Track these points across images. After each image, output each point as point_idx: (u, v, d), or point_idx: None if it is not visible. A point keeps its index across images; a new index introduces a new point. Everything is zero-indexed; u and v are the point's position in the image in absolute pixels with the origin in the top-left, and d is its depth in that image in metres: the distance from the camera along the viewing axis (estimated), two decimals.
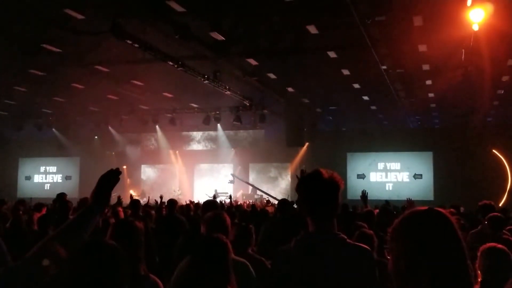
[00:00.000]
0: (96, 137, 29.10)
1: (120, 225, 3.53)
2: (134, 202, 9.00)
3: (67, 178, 30.94)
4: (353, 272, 2.58)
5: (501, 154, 23.82)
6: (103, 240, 2.23)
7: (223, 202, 12.77)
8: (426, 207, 1.89)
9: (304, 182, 2.77)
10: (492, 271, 3.64)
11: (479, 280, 3.71)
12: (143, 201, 19.30)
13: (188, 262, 3.19)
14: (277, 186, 27.76)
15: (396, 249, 1.85)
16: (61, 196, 8.74)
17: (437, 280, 1.73)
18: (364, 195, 8.20)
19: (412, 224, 1.84)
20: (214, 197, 13.39)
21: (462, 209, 12.02)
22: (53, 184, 31.05)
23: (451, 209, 9.37)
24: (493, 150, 23.85)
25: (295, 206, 7.65)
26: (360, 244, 2.71)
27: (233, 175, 27.31)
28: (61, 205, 8.08)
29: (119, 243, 3.22)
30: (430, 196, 24.51)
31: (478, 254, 3.77)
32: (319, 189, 2.67)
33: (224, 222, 4.06)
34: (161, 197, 11.05)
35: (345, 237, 2.69)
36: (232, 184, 26.99)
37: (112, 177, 2.36)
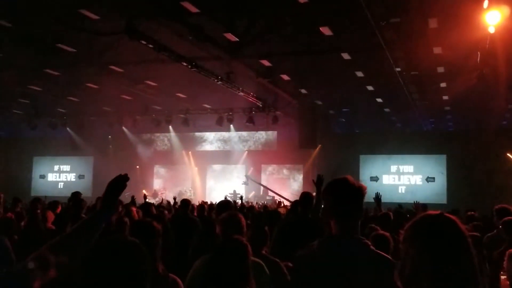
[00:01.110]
0: (110, 136, 29.26)
1: (137, 225, 3.55)
2: (145, 205, 8.99)
3: (80, 177, 31.13)
4: (376, 279, 2.62)
5: None
6: (124, 237, 2.24)
7: (236, 202, 12.75)
8: (437, 212, 1.90)
9: (333, 186, 2.86)
10: None
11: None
12: (155, 201, 19.41)
13: (205, 263, 3.20)
14: (289, 188, 27.71)
15: (404, 249, 1.87)
16: (76, 195, 8.78)
17: (439, 282, 1.73)
18: (378, 197, 8.14)
19: (420, 227, 1.86)
20: (241, 198, 13.36)
21: (475, 213, 11.93)
22: (66, 183, 31.26)
23: (470, 212, 9.32)
24: (507, 154, 23.65)
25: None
26: (382, 253, 2.74)
27: (247, 176, 27.30)
28: (75, 204, 8.13)
29: None
30: (443, 200, 24.36)
31: (505, 259, 3.74)
32: (347, 193, 2.78)
33: (240, 223, 4.06)
34: (174, 198, 11.07)
35: (368, 242, 2.72)
36: (245, 186, 26.97)
37: (120, 183, 2.39)
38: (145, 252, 2.07)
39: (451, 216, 1.88)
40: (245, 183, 26.96)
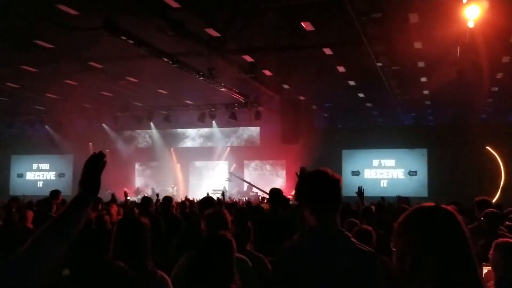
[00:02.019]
0: (90, 144, 29.18)
1: (126, 222, 3.50)
2: (145, 199, 8.87)
3: (60, 175, 30.77)
4: (358, 272, 2.60)
5: (495, 151, 23.85)
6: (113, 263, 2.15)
7: (219, 199, 12.71)
8: (432, 204, 1.87)
9: (311, 179, 2.82)
10: (507, 266, 3.64)
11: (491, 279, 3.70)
12: (137, 198, 19.29)
13: (190, 259, 3.16)
14: (272, 183, 27.67)
15: (401, 245, 1.82)
16: (55, 194, 8.67)
17: (445, 277, 1.70)
18: (360, 191, 8.15)
19: (420, 219, 1.82)
20: (223, 194, 13.41)
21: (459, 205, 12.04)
22: (46, 182, 30.88)
23: (453, 205, 9.39)
24: (487, 147, 23.90)
25: (291, 202, 7.60)
26: (363, 245, 2.72)
27: (230, 173, 27.25)
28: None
29: (125, 240, 3.21)
30: (424, 193, 24.55)
31: (491, 250, 3.76)
32: (325, 185, 2.75)
33: (225, 219, 4.05)
34: (157, 195, 11.00)
35: (350, 235, 2.71)
36: (229, 182, 26.91)
37: (97, 161, 2.25)
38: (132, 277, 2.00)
39: (448, 207, 1.85)
40: (229, 180, 26.92)
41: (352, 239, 2.72)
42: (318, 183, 2.77)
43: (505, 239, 3.87)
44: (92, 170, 2.21)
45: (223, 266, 3.00)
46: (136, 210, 8.68)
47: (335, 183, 2.75)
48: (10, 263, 1.86)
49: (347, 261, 2.60)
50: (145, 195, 14.21)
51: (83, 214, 2.09)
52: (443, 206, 1.86)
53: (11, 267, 1.85)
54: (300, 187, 2.89)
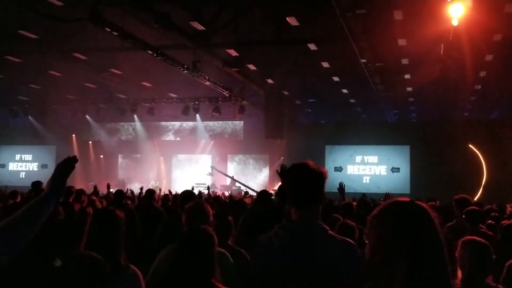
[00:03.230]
0: (73, 135, 28.98)
1: (100, 214, 3.48)
2: (118, 192, 8.91)
3: (43, 166, 30.53)
4: (337, 263, 2.59)
5: (477, 149, 24.12)
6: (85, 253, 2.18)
7: (201, 192, 12.71)
8: (407, 199, 1.90)
9: (292, 172, 2.81)
10: (474, 265, 3.66)
11: (458, 276, 3.72)
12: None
13: (170, 253, 3.16)
14: (255, 178, 27.78)
15: (374, 236, 1.85)
16: (37, 184, 8.61)
17: (414, 270, 1.73)
18: (341, 187, 8.20)
19: (393, 212, 1.85)
20: (208, 188, 13.45)
21: (437, 202, 12.17)
22: (28, 173, 30.64)
23: (432, 202, 9.49)
24: (469, 145, 24.15)
25: (273, 198, 7.65)
26: (342, 237, 2.73)
27: (212, 167, 27.23)
28: (36, 194, 7.97)
29: (99, 232, 3.19)
30: (407, 189, 24.73)
31: (458, 248, 3.78)
32: (306, 178, 2.73)
33: (206, 213, 4.04)
34: (141, 189, 10.97)
35: (327, 227, 2.70)
36: (211, 176, 26.90)
37: (68, 165, 2.33)
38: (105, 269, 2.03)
39: (422, 204, 1.88)
40: (210, 174, 26.90)
41: (330, 231, 2.70)
42: (300, 175, 2.75)
43: (471, 237, 3.89)
44: (61, 172, 2.26)
45: (203, 261, 3.00)
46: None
47: (317, 176, 2.73)
48: None
49: (325, 252, 2.59)
50: (127, 189, 14.15)
51: (45, 213, 2.14)
52: (418, 202, 1.89)
53: None
54: (284, 179, 2.88)
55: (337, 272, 2.57)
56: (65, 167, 2.32)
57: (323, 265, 2.56)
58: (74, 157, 2.37)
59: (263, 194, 6.86)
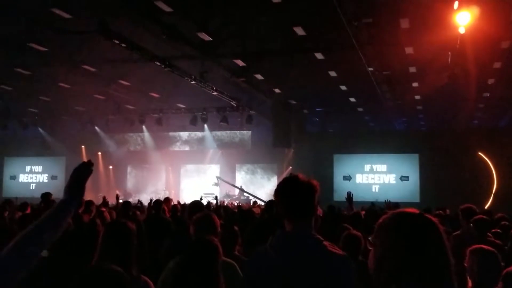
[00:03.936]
0: (83, 146, 29.14)
1: (112, 226, 3.51)
2: (125, 203, 8.97)
3: (53, 177, 30.69)
4: (331, 277, 2.60)
5: (486, 157, 24.00)
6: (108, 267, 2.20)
7: (210, 203, 12.73)
8: (416, 210, 1.90)
9: (283, 184, 2.85)
10: (482, 273, 3.66)
11: (469, 286, 3.72)
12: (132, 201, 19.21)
13: (177, 263, 3.18)
14: (263, 187, 27.75)
15: (382, 244, 1.85)
16: (46, 196, 8.67)
17: (423, 280, 1.74)
18: (349, 196, 8.20)
19: (404, 222, 1.85)
20: (216, 198, 13.44)
21: (447, 211, 12.11)
22: (38, 184, 30.82)
23: (441, 211, 9.46)
24: (479, 153, 24.03)
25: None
26: (336, 249, 2.74)
27: (218, 177, 27.22)
28: (46, 205, 8.02)
29: (111, 244, 3.22)
30: (416, 198, 24.63)
31: (467, 257, 3.78)
32: (297, 190, 2.76)
33: (214, 223, 4.05)
34: (151, 200, 11.00)
35: (321, 238, 2.72)
36: (216, 186, 26.88)
37: (85, 170, 2.33)
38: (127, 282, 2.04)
39: (431, 217, 1.88)
40: (216, 184, 26.88)
41: (324, 242, 2.70)
42: (289, 188, 2.79)
43: (479, 245, 3.89)
44: (78, 177, 2.27)
45: (208, 271, 3.02)
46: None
47: (306, 188, 2.75)
48: None
49: (318, 264, 2.59)
50: (138, 200, 14.18)
51: (65, 219, 2.15)
52: (428, 215, 1.89)
53: None
54: (275, 194, 2.91)
55: (330, 284, 2.58)
56: (81, 172, 2.31)
57: (314, 278, 2.57)
58: (89, 161, 2.37)
59: (269, 203, 6.88)
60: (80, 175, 2.29)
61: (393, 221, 1.88)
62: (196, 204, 6.16)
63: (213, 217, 4.16)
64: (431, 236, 1.82)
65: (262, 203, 16.70)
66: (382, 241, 1.86)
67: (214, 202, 13.40)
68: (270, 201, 7.08)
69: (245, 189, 25.88)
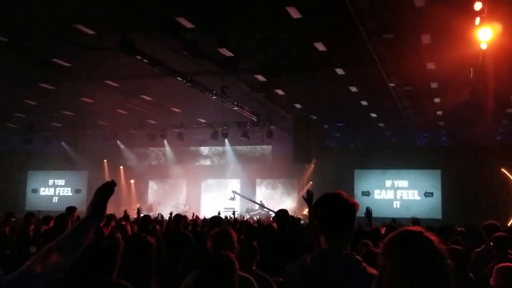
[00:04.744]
0: (105, 160, 29.45)
1: (133, 240, 3.56)
2: (145, 217, 9.03)
3: (77, 191, 30.99)
4: None
5: (509, 173, 23.69)
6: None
7: (229, 217, 12.74)
8: (418, 229, 1.90)
9: (324, 201, 2.82)
10: None
11: None
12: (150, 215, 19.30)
13: (195, 278, 3.20)
14: (283, 202, 27.65)
15: (382, 264, 1.86)
16: (71, 210, 8.73)
17: None
18: (368, 212, 8.14)
19: (400, 242, 1.85)
20: (233, 213, 13.43)
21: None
22: (61, 197, 31.15)
23: (462, 229, 9.35)
24: (502, 169, 23.73)
25: (302, 222, 7.61)
26: (373, 270, 2.73)
27: (234, 192, 27.20)
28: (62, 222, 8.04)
29: (131, 258, 3.26)
30: (438, 215, 24.37)
31: (493, 275, 3.76)
32: (338, 209, 2.75)
33: (231, 238, 4.07)
34: (171, 214, 11.05)
35: (360, 259, 2.71)
36: (232, 201, 26.80)
37: (107, 189, 2.40)
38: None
39: (430, 235, 1.86)
40: (232, 199, 26.82)
41: (363, 264, 2.69)
42: (332, 206, 2.77)
43: (505, 264, 3.86)
44: (101, 196, 2.34)
45: (224, 285, 3.04)
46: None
47: (349, 207, 2.75)
48: (13, 278, 1.95)
49: (356, 284, 2.59)
50: (158, 214, 14.26)
51: (87, 236, 2.21)
52: (428, 235, 1.87)
53: (14, 282, 1.93)
54: (314, 208, 2.89)
55: None
56: (104, 191, 2.39)
57: None
58: (113, 181, 2.46)
59: (280, 215, 6.70)
60: (103, 194, 2.37)
61: (392, 238, 1.89)
62: (217, 219, 6.18)
63: (230, 232, 4.17)
64: (428, 256, 1.80)
65: None
66: (383, 257, 1.87)
67: (232, 216, 13.42)
68: (280, 210, 6.83)
69: (264, 204, 25.83)
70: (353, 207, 2.76)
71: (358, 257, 2.73)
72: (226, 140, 25.30)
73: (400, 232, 1.90)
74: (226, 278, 3.07)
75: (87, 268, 4.02)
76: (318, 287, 2.62)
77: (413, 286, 1.75)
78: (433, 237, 1.86)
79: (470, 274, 4.91)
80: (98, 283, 1.98)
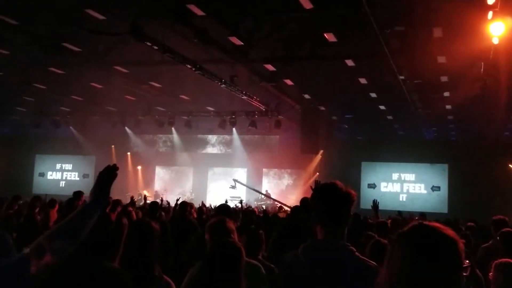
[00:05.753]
0: (112, 146, 29.51)
1: (136, 226, 3.56)
2: (152, 204, 9.07)
3: (84, 176, 31.09)
4: (361, 286, 2.57)
5: None
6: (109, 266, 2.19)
7: (236, 206, 12.76)
8: (436, 224, 1.86)
9: (320, 191, 2.81)
10: (507, 287, 3.62)
11: None
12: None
13: (201, 265, 3.21)
14: (290, 193, 27.66)
15: (392, 254, 1.84)
16: (78, 194, 8.77)
17: None
18: (375, 204, 8.13)
19: (413, 235, 1.83)
20: (241, 202, 13.45)
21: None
22: (68, 182, 31.30)
23: (470, 223, 9.33)
24: (510, 165, 23.62)
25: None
26: (367, 260, 2.72)
27: (235, 180, 27.09)
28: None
29: (135, 244, 3.27)
30: (444, 209, 24.32)
31: (492, 270, 3.74)
32: (334, 198, 2.73)
33: (227, 229, 4.03)
34: (177, 200, 11.08)
35: (354, 249, 2.69)
36: (233, 189, 26.67)
37: (110, 173, 2.39)
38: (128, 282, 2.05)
39: (449, 231, 1.83)
40: (233, 187, 26.69)
41: (356, 253, 2.69)
42: (327, 195, 2.76)
43: (504, 259, 3.84)
44: (103, 180, 2.33)
45: (231, 273, 3.04)
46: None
47: (344, 197, 2.73)
48: (13, 263, 1.96)
49: (349, 274, 2.58)
50: (165, 200, 14.30)
51: (91, 220, 2.21)
52: (446, 230, 1.83)
53: (14, 266, 1.94)
54: (310, 199, 2.87)
55: None
56: (106, 175, 2.38)
57: (346, 287, 2.55)
58: (114, 165, 2.44)
59: (294, 209, 6.80)
60: (105, 178, 2.35)
61: (405, 231, 1.86)
62: (224, 207, 6.19)
63: (227, 222, 4.14)
64: (440, 250, 1.77)
65: (288, 208, 16.66)
66: (394, 248, 1.85)
67: (239, 205, 13.44)
68: (295, 207, 7.05)
69: (270, 194, 25.80)
70: (349, 196, 2.75)
71: (352, 247, 2.71)
72: (233, 128, 25.29)
73: (416, 225, 1.86)
74: (233, 266, 3.07)
75: (88, 252, 4.03)
76: (310, 277, 2.61)
77: (420, 279, 1.73)
78: (455, 237, 1.83)
79: (478, 271, 4.88)
80: (92, 267, 1.97)
